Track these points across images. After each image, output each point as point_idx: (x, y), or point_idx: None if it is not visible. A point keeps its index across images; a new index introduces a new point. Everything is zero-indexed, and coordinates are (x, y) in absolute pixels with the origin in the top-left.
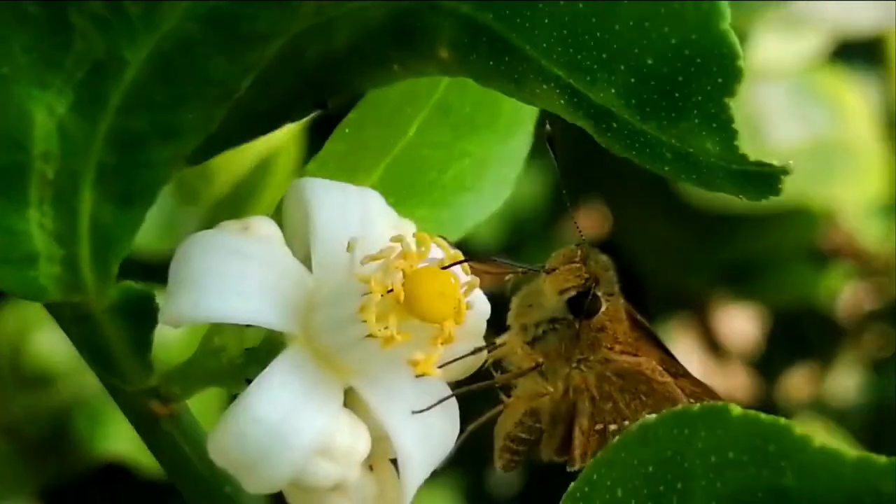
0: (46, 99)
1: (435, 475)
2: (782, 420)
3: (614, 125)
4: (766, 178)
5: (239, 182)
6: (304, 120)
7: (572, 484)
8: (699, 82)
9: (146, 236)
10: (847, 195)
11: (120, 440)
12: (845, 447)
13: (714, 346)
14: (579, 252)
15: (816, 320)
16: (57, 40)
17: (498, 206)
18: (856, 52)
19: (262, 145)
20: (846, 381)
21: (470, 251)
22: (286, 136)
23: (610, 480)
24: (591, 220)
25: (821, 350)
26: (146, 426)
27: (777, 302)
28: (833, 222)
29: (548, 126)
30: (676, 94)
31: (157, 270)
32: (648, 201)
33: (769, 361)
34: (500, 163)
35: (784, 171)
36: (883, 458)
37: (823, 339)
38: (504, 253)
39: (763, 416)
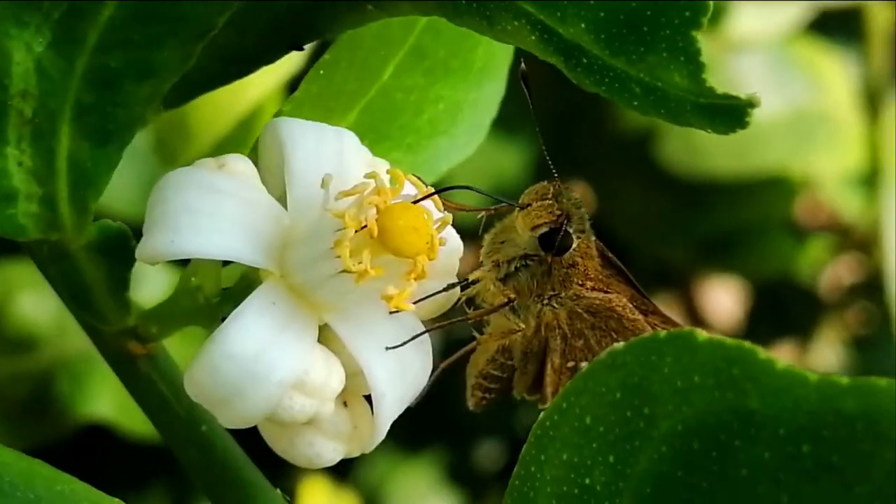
0: (24, 37)
1: (419, 450)
2: (747, 344)
3: (584, 60)
4: (733, 110)
5: (219, 142)
6: (284, 79)
7: (542, 413)
8: (667, 15)
9: (125, 198)
10: (826, 166)
11: (103, 403)
12: (808, 370)
13: (697, 322)
14: (552, 189)
15: (798, 295)
16: None
17: (472, 150)
18: (834, 23)
19: (242, 104)
20: (828, 357)
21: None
22: (266, 95)
23: (579, 408)
24: None
25: (802, 325)
26: (124, 367)
27: (758, 275)
28: (813, 194)
29: (522, 65)
30: (645, 28)
31: (136, 233)
32: (629, 177)
33: (751, 337)
34: (474, 107)
35: (751, 103)
36: (844, 379)
37: (805, 314)
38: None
39: (728, 340)
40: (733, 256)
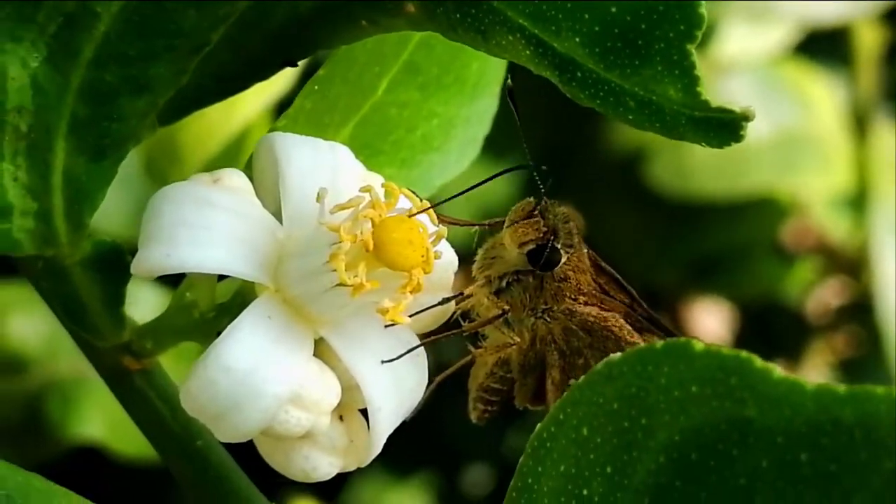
0: (20, 52)
1: (408, 475)
2: (744, 353)
3: (578, 74)
4: (728, 124)
5: (209, 163)
6: (274, 99)
7: (539, 424)
8: (661, 29)
9: (115, 220)
10: (814, 188)
11: (94, 424)
12: (805, 379)
13: None
14: (538, 205)
15: (785, 318)
16: None
17: (466, 165)
18: (822, 44)
19: (231, 125)
20: (816, 380)
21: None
22: (256, 116)
23: (576, 419)
24: None
25: (790, 348)
26: (119, 382)
27: (746, 297)
28: (801, 216)
29: (509, 81)
30: (639, 42)
31: (128, 253)
32: (618, 199)
33: None
34: (467, 123)
35: (745, 116)
36: (842, 388)
37: (792, 336)
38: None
39: (725, 349)
40: (721, 278)
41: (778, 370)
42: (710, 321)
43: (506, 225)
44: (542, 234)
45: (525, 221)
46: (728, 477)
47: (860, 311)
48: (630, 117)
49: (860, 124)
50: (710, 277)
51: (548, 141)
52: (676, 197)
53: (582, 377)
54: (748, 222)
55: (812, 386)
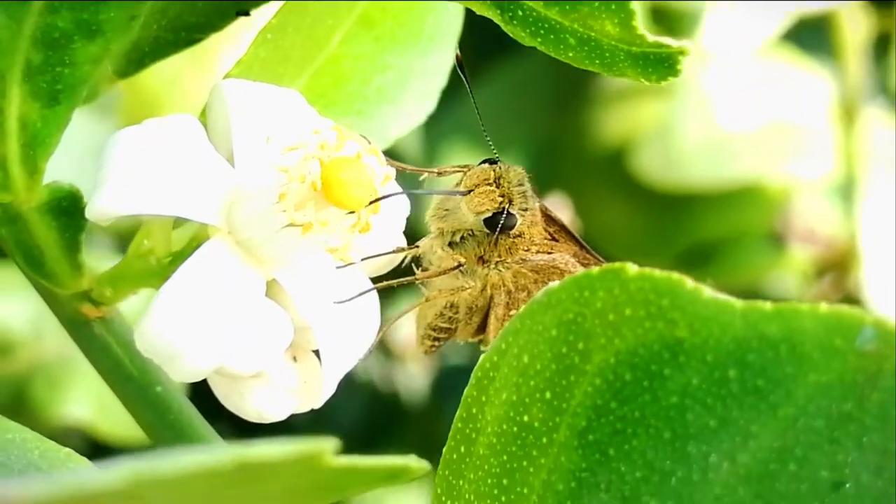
0: None
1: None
2: (675, 275)
3: (520, 13)
4: (665, 58)
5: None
6: None
7: (482, 356)
8: None
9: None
10: (803, 178)
11: (80, 405)
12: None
13: None
14: (493, 173)
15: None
16: None
17: (421, 118)
18: (809, 33)
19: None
20: None
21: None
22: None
23: (517, 348)
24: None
25: None
26: (79, 330)
27: (736, 287)
28: (790, 206)
29: (457, 50)
30: None
31: None
32: (607, 191)
33: None
34: (422, 76)
35: (681, 51)
36: (768, 305)
37: None
38: None
39: (657, 272)
40: (711, 268)
41: (707, 290)
42: None
43: (462, 185)
44: (498, 204)
45: (480, 190)
46: (661, 396)
47: (851, 300)
48: (571, 55)
49: (848, 114)
50: (702, 267)
51: (537, 135)
52: (665, 187)
53: (523, 307)
54: (738, 212)
55: (740, 304)
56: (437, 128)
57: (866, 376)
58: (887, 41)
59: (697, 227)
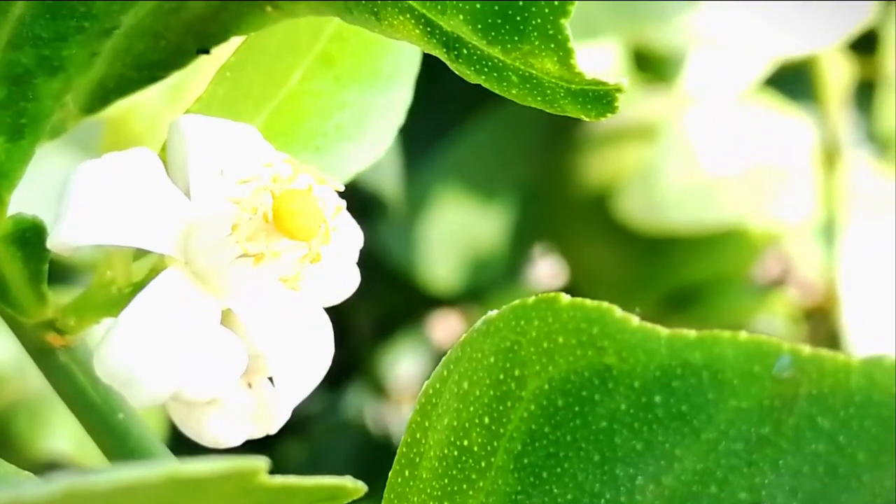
0: None
1: None
2: (605, 304)
3: (464, 51)
4: (602, 95)
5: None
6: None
7: (426, 382)
8: (537, 6)
9: None
10: (784, 222)
11: (60, 440)
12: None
13: None
14: None
15: None
16: None
17: (379, 154)
18: (791, 78)
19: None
20: None
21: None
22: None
23: (458, 374)
24: (550, 269)
25: None
26: (44, 358)
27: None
28: (772, 250)
29: None
30: (518, 18)
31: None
32: (591, 236)
33: None
34: (380, 113)
35: (618, 88)
36: (692, 333)
37: None
38: (466, 297)
39: (588, 301)
40: (696, 310)
41: (635, 319)
42: None
43: None
44: None
45: None
46: (591, 420)
47: (833, 343)
48: (514, 92)
49: (829, 158)
50: (687, 309)
51: (522, 181)
52: (649, 230)
53: (464, 335)
54: (722, 255)
55: (665, 332)
56: (425, 174)
57: (783, 401)
58: (871, 88)
59: (681, 270)
